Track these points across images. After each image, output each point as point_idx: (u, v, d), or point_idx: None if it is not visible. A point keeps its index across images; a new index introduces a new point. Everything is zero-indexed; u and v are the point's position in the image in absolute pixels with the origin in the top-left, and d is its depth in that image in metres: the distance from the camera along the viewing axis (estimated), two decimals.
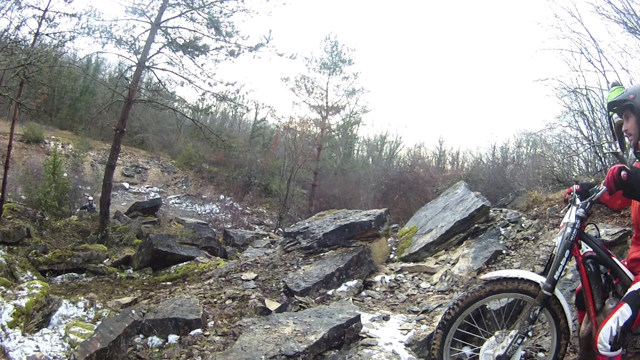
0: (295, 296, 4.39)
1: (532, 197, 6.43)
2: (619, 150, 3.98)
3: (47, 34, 7.94)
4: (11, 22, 7.24)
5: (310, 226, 6.07)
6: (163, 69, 11.01)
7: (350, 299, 4.37)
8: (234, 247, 10.29)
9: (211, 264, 6.65)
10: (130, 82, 10.38)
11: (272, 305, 4.20)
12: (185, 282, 5.66)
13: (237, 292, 4.48)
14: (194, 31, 10.81)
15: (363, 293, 4.74)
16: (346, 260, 4.99)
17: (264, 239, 10.36)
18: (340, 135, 24.53)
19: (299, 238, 5.93)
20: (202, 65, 11.03)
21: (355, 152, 28.99)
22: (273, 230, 14.61)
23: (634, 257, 2.12)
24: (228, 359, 2.76)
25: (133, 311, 3.46)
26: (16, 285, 4.03)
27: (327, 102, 20.26)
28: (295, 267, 5.24)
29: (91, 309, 4.16)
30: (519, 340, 2.10)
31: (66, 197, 11.81)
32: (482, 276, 2.83)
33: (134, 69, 10.72)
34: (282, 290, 4.65)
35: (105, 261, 7.54)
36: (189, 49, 10.79)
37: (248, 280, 4.90)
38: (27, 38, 7.75)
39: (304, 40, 56.72)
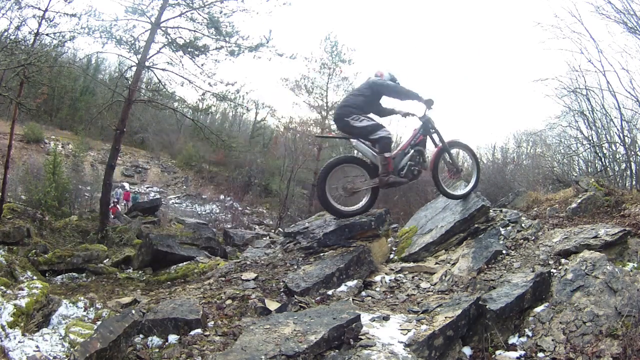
0: (295, 296, 4.38)
1: (532, 197, 6.43)
2: None
3: (47, 34, 7.95)
4: (11, 22, 7.24)
5: (310, 226, 6.06)
6: (163, 69, 11.02)
7: (350, 299, 4.37)
8: (234, 247, 10.30)
9: (211, 264, 6.64)
10: (130, 82, 10.40)
11: (272, 305, 4.19)
12: (185, 282, 5.65)
13: (237, 292, 4.48)
14: (194, 31, 10.83)
15: (363, 293, 4.73)
16: (346, 260, 4.98)
17: (264, 239, 10.35)
18: None
19: (299, 238, 5.91)
20: (202, 65, 11.05)
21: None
22: (273, 230, 14.61)
23: None
24: (228, 359, 2.76)
25: (133, 311, 3.46)
26: (16, 285, 4.02)
27: (327, 102, 20.26)
28: (295, 267, 5.23)
29: (91, 309, 4.15)
30: None
31: (66, 197, 11.82)
32: None
33: (134, 69, 10.73)
34: (282, 290, 4.63)
35: (105, 261, 7.54)
36: (189, 49, 10.79)
37: (248, 280, 4.89)
38: (27, 38, 7.76)
39: (304, 40, 56.72)
